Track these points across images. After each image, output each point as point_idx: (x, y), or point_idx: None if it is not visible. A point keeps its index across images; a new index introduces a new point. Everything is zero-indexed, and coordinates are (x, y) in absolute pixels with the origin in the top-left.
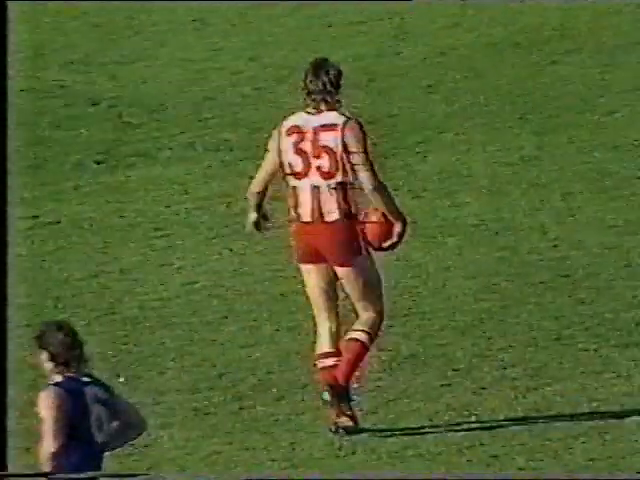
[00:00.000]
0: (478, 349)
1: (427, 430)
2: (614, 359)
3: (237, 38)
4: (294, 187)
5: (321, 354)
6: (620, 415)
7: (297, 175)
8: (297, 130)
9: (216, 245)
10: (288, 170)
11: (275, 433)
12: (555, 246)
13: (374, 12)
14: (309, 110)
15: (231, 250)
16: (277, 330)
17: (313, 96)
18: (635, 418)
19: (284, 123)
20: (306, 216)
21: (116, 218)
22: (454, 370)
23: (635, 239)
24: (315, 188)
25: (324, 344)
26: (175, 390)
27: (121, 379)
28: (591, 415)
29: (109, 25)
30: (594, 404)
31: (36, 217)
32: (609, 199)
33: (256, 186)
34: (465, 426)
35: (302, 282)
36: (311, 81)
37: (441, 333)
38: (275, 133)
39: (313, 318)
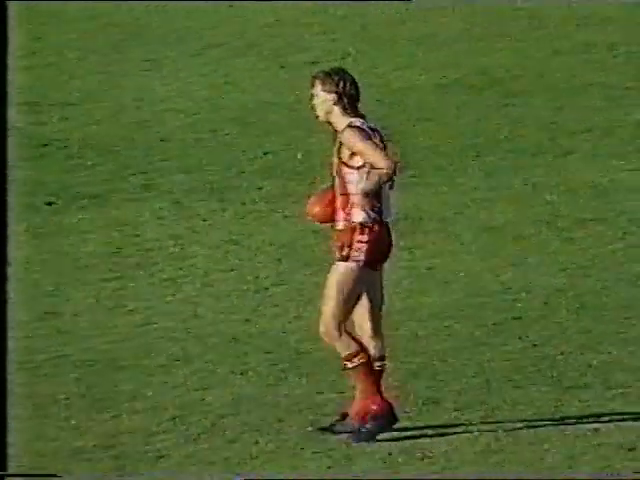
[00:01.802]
0: (430, 392)
1: (379, 472)
2: (566, 402)
3: (192, 79)
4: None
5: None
6: (572, 457)
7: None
8: (373, 130)
9: (169, 287)
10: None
11: (229, 477)
12: (507, 288)
13: (329, 52)
14: (358, 114)
15: (184, 292)
16: (231, 373)
17: (354, 102)
18: (586, 459)
19: (362, 125)
20: (386, 215)
21: (67, 260)
22: (406, 412)
23: (587, 282)
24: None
25: (351, 344)
26: (128, 433)
27: (73, 422)
28: (543, 458)
29: (61, 65)
30: (546, 446)
31: None
32: (562, 241)
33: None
34: (418, 467)
35: (255, 324)
36: (353, 87)
37: (393, 376)
38: (365, 131)
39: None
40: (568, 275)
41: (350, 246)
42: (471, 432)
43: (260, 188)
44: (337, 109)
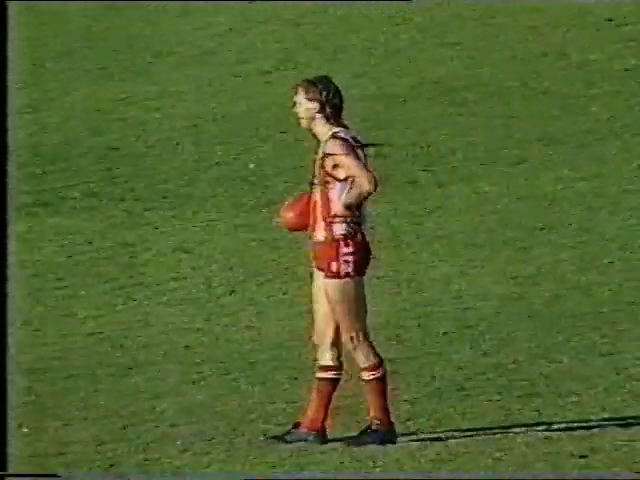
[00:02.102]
0: None
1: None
2: (517, 410)
3: (142, 88)
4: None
5: (369, 366)
6: (524, 465)
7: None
8: (356, 141)
9: (120, 296)
10: None
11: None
12: (458, 297)
13: (281, 61)
14: (341, 123)
15: (135, 300)
16: (182, 382)
17: (338, 111)
18: (538, 467)
19: (348, 137)
20: (364, 224)
21: (18, 268)
22: (358, 422)
23: (537, 290)
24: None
25: (370, 356)
26: (79, 441)
27: (25, 430)
28: (495, 466)
29: (12, 73)
30: (497, 454)
31: None
32: (512, 250)
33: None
34: (369, 476)
35: (207, 333)
36: (336, 97)
37: (346, 384)
38: (349, 143)
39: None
40: (519, 284)
41: (337, 260)
42: (422, 441)
43: (212, 197)
44: (320, 118)
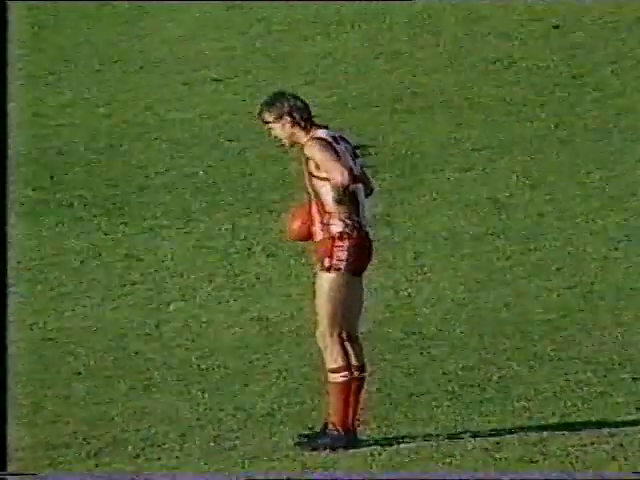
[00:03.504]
0: None
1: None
2: (467, 416)
3: (91, 94)
4: (354, 193)
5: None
6: (475, 470)
7: (357, 179)
8: (342, 138)
9: (69, 301)
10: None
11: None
12: (407, 303)
13: (230, 68)
14: (317, 124)
15: (84, 307)
16: (132, 388)
17: (307, 113)
18: (489, 472)
19: (324, 135)
20: (366, 223)
21: None
22: (310, 429)
23: (486, 296)
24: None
25: (338, 359)
26: (29, 447)
27: None
28: (447, 472)
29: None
30: (448, 460)
31: None
32: (460, 257)
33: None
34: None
35: (157, 339)
36: (298, 101)
37: (297, 391)
38: (325, 141)
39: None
40: (467, 290)
41: (330, 256)
42: (373, 447)
43: (161, 203)
44: (295, 129)
